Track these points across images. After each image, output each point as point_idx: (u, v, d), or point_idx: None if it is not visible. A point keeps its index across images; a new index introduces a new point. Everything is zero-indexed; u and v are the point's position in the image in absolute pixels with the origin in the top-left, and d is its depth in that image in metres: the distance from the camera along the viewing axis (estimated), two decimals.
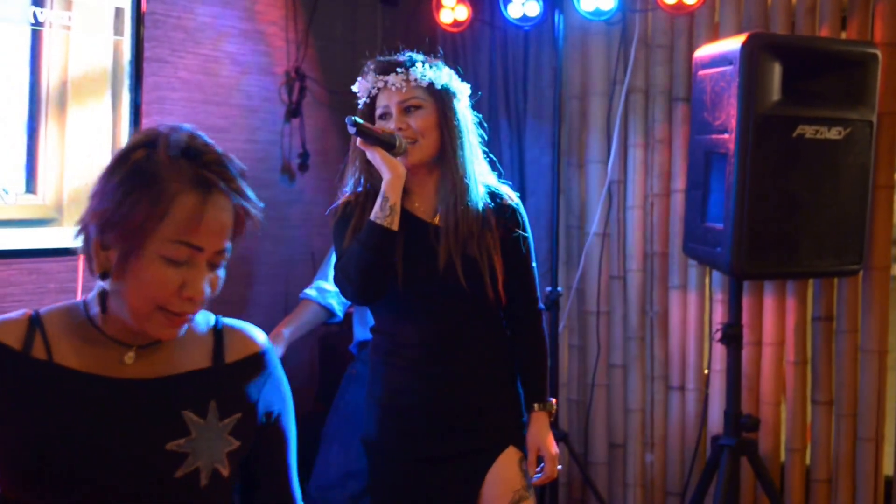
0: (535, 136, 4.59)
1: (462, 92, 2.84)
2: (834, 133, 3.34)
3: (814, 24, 3.81)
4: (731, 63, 3.31)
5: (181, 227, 1.55)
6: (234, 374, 1.77)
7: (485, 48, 4.77)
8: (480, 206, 2.77)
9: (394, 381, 2.83)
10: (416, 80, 2.74)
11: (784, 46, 3.37)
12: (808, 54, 3.42)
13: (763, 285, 3.97)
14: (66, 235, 3.18)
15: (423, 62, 2.78)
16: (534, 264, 2.91)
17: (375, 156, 2.66)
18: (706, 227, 3.51)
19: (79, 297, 3.70)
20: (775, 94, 3.30)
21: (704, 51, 3.59)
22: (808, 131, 3.31)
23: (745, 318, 3.85)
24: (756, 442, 3.79)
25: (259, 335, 1.84)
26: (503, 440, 2.81)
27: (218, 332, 1.80)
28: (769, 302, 3.95)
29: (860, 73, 3.41)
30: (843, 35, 3.80)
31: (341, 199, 2.87)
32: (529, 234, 2.90)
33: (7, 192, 3.41)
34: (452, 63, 5.00)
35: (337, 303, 3.73)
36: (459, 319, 2.78)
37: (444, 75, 2.80)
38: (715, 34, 4.02)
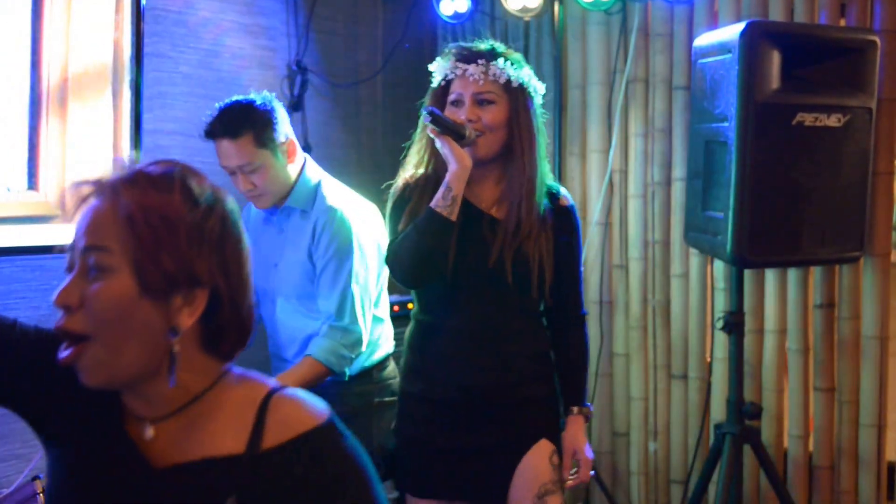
0: None
1: (538, 91, 2.84)
2: (833, 120, 3.34)
3: (813, 12, 3.81)
4: (729, 51, 3.31)
5: None
6: (268, 463, 1.45)
7: (485, 40, 4.77)
8: (542, 206, 2.79)
9: (431, 372, 2.85)
10: (494, 74, 2.75)
11: (783, 34, 3.37)
12: (807, 42, 3.42)
13: (764, 273, 3.97)
14: (68, 232, 3.21)
15: (505, 56, 2.79)
16: (581, 269, 2.94)
17: (445, 145, 2.68)
18: (707, 216, 3.51)
19: None
20: (774, 81, 3.29)
21: (703, 39, 3.58)
22: (808, 119, 3.31)
23: (747, 305, 3.86)
24: (759, 429, 3.79)
25: (313, 410, 1.50)
26: (536, 434, 2.82)
27: (264, 406, 1.49)
28: (771, 290, 3.95)
29: (859, 59, 3.40)
30: (842, 22, 3.79)
31: (401, 181, 2.89)
32: (581, 238, 2.93)
33: (10, 190, 3.43)
34: None
35: (349, 370, 3.21)
36: (502, 313, 2.80)
37: (523, 73, 2.80)
38: (714, 22, 4.02)
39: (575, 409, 2.88)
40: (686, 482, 4.22)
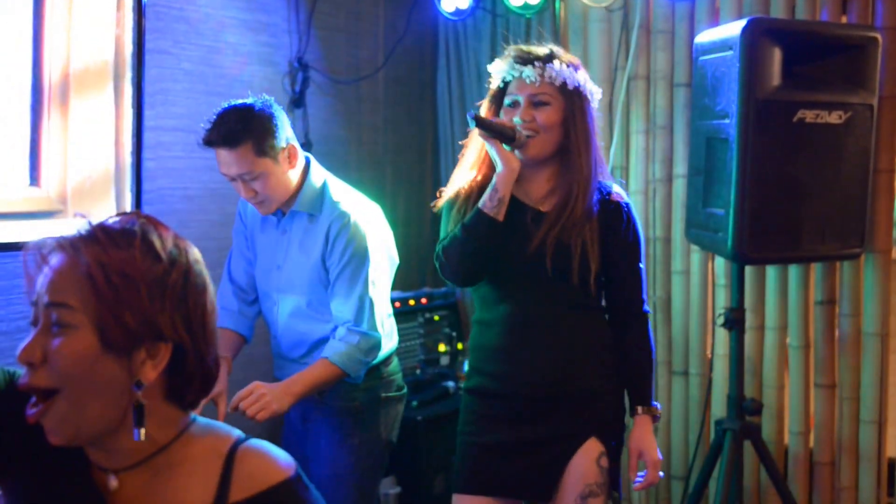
0: None
1: (594, 95, 2.88)
2: (834, 117, 3.34)
3: (814, 9, 3.81)
4: (731, 48, 3.31)
5: None
6: None
7: (486, 36, 4.78)
8: (591, 201, 2.82)
9: (482, 367, 2.91)
10: (550, 77, 2.79)
11: (784, 31, 3.37)
12: (809, 39, 3.42)
13: (765, 270, 3.98)
14: (70, 227, 3.21)
15: (561, 59, 2.83)
16: (640, 265, 2.92)
17: (493, 148, 2.74)
18: (708, 213, 3.52)
19: None
20: (775, 78, 3.30)
21: (705, 36, 3.59)
22: (809, 116, 3.31)
23: (748, 302, 3.87)
24: (759, 426, 3.80)
25: (279, 463, 1.52)
26: (585, 431, 2.82)
27: (230, 458, 1.50)
28: (771, 286, 3.96)
29: (860, 57, 3.40)
30: (844, 19, 3.80)
31: (455, 185, 2.95)
32: (640, 235, 2.92)
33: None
34: (455, 51, 5.03)
35: (363, 369, 3.17)
36: (545, 305, 2.83)
37: (579, 77, 2.84)
38: (715, 19, 4.03)
39: (640, 409, 2.87)
40: (687, 478, 4.23)
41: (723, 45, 3.38)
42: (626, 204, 2.90)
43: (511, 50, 2.87)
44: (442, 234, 2.90)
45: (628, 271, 2.90)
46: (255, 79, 4.29)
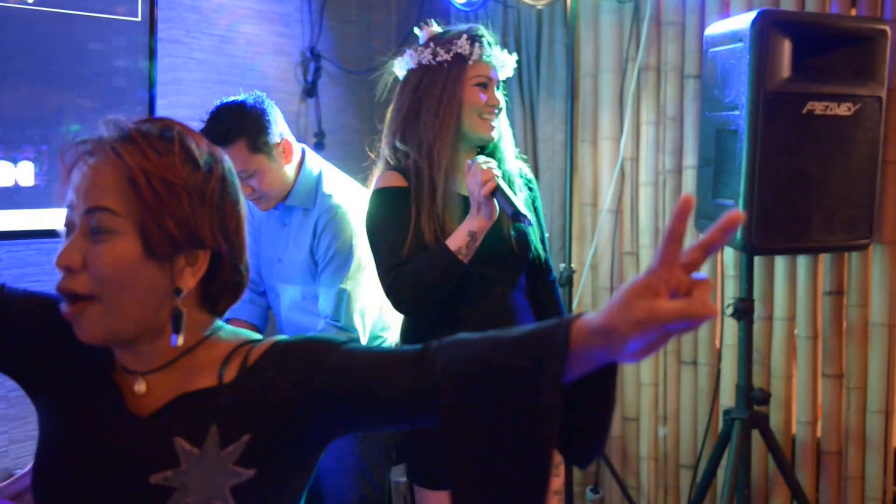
0: (549, 113, 4.62)
1: None
2: (843, 109, 3.35)
3: (824, 1, 3.82)
4: (741, 40, 3.33)
5: None
6: (238, 389, 1.47)
7: (498, 27, 4.79)
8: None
9: None
10: (509, 65, 2.91)
11: (794, 23, 3.38)
12: (818, 31, 3.43)
13: (774, 260, 3.99)
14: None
15: None
16: (545, 235, 3.01)
17: (491, 202, 2.65)
18: (717, 204, 3.53)
19: None
20: (785, 70, 3.31)
21: (715, 28, 3.60)
22: (818, 108, 3.32)
23: (757, 292, 3.87)
24: (767, 415, 3.82)
25: (269, 340, 1.55)
26: None
27: (235, 350, 1.53)
28: (780, 277, 3.98)
29: (870, 49, 3.41)
30: (853, 11, 3.80)
31: (392, 179, 2.80)
32: (540, 206, 3.02)
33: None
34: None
35: None
36: (514, 294, 2.86)
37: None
38: (726, 11, 4.04)
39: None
40: (695, 467, 4.25)
41: (733, 37, 3.39)
42: (532, 180, 3.03)
43: (481, 32, 2.86)
44: (379, 239, 2.78)
45: (541, 240, 2.97)
46: (267, 69, 4.32)
